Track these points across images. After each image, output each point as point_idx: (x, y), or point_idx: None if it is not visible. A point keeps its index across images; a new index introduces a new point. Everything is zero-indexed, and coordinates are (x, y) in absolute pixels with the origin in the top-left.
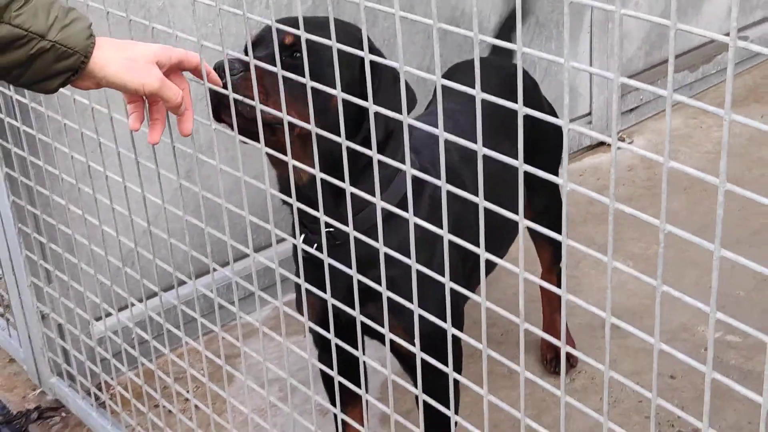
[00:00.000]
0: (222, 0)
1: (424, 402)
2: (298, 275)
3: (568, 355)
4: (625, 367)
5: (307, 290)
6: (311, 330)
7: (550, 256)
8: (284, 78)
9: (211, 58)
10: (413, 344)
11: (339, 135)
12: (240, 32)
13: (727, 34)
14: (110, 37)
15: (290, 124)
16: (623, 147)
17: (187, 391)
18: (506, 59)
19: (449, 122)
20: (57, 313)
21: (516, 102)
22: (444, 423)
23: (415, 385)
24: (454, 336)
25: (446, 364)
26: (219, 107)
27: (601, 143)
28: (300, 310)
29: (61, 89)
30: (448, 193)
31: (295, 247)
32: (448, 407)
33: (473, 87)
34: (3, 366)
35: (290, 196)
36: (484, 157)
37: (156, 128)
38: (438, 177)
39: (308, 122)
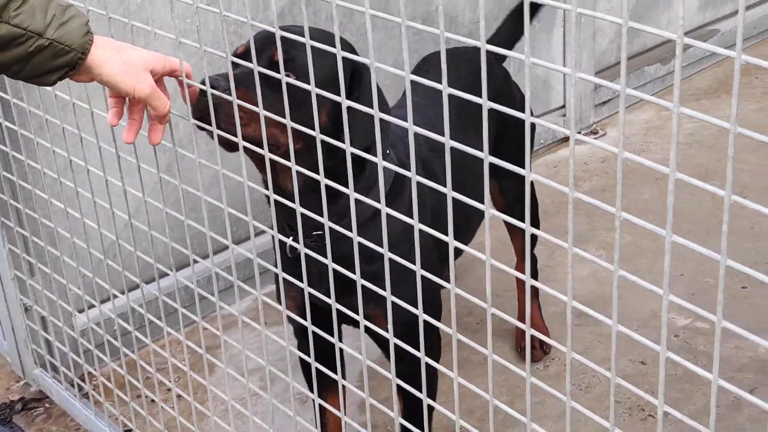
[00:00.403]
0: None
1: (404, 389)
2: (277, 268)
3: (542, 342)
4: (597, 354)
5: (288, 283)
6: (291, 320)
7: (522, 244)
8: (269, 95)
9: (189, 55)
10: (395, 331)
11: (323, 150)
12: (218, 29)
13: (697, 29)
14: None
15: (278, 140)
16: (582, 139)
17: (169, 381)
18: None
19: (418, 116)
20: (40, 306)
21: (488, 89)
22: (421, 408)
23: (394, 372)
24: (432, 324)
25: (423, 351)
26: (202, 120)
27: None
28: (279, 301)
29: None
30: (425, 185)
31: (276, 240)
32: (429, 388)
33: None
34: None
35: (274, 198)
36: (454, 148)
37: (133, 128)
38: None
39: (292, 139)
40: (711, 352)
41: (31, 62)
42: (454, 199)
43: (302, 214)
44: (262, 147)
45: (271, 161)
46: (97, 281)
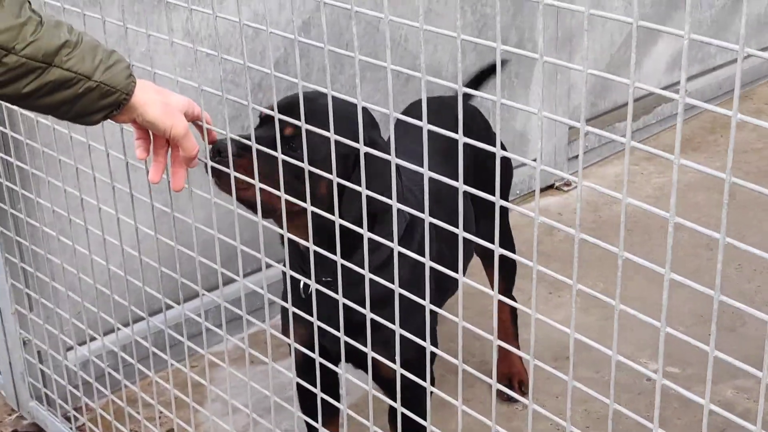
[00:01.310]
0: (200, 45)
1: (396, 421)
2: (285, 309)
3: (520, 383)
4: (576, 395)
5: (295, 322)
6: (296, 358)
7: (502, 287)
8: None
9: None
10: (393, 371)
11: (328, 214)
12: (216, 77)
13: (666, 88)
14: None
15: (288, 203)
16: (564, 188)
17: (164, 413)
18: (465, 102)
19: (414, 161)
20: (38, 339)
21: (470, 136)
22: None
23: (392, 404)
24: (423, 367)
25: (423, 385)
26: (218, 180)
27: (550, 186)
28: (287, 335)
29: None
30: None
31: (288, 281)
32: (423, 419)
33: (429, 123)
34: None
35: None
36: (449, 194)
37: (159, 168)
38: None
39: (298, 204)
40: (681, 397)
41: (80, 103)
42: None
43: (316, 260)
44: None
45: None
46: (95, 312)
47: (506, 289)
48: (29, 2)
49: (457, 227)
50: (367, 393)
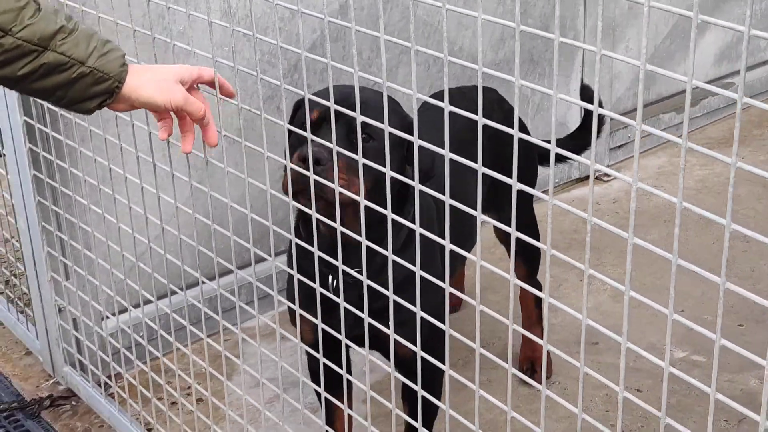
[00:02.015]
0: (236, 24)
1: (412, 398)
2: (292, 296)
3: (542, 362)
4: (594, 380)
5: (310, 308)
6: (310, 338)
7: (524, 272)
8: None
9: (224, 75)
10: (411, 350)
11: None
12: (252, 57)
13: (714, 81)
14: (137, 55)
15: (348, 199)
16: (604, 179)
17: (192, 383)
18: (492, 90)
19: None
20: (73, 306)
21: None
22: (431, 412)
23: (407, 385)
24: (437, 345)
25: (439, 367)
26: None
27: (586, 176)
28: (293, 323)
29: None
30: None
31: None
32: (438, 399)
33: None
34: (20, 357)
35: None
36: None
37: (187, 139)
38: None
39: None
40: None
41: (73, 88)
42: (458, 220)
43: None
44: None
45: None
46: (128, 283)
47: (529, 274)
48: None
49: (465, 217)
50: (382, 375)
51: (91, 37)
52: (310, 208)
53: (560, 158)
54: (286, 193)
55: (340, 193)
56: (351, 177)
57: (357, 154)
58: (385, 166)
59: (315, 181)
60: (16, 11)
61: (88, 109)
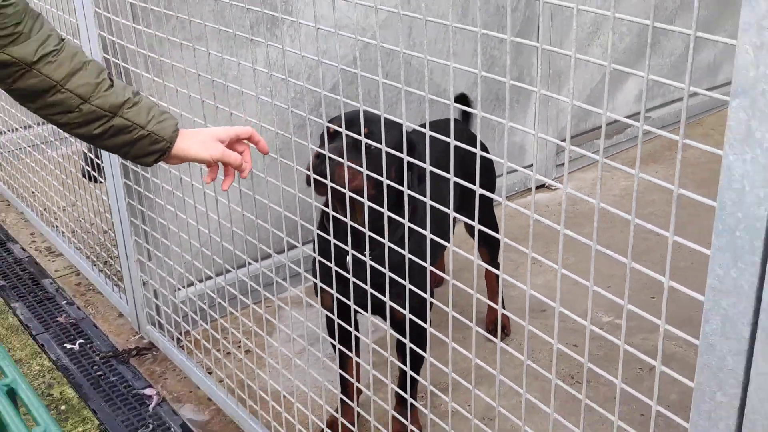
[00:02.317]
0: (274, 71)
1: (404, 351)
2: (315, 272)
3: (503, 327)
4: (542, 339)
5: (328, 282)
6: (330, 305)
7: (487, 257)
8: (358, 159)
9: (266, 112)
10: (403, 314)
11: (388, 196)
12: (287, 94)
13: (634, 115)
14: (200, 92)
15: (359, 191)
16: (553, 186)
17: (242, 338)
18: (463, 123)
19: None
20: (153, 281)
21: (460, 149)
22: (418, 361)
23: (400, 341)
24: (423, 311)
25: (424, 317)
26: (317, 182)
27: (541, 185)
28: (316, 294)
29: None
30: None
31: (319, 252)
32: (423, 351)
33: (438, 140)
34: (114, 318)
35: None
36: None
37: (227, 181)
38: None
39: (370, 191)
40: (627, 342)
41: (135, 146)
42: (439, 218)
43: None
44: (351, 196)
45: (351, 204)
46: (194, 264)
47: (491, 259)
48: (110, 71)
49: (445, 216)
50: (383, 334)
51: (151, 108)
52: (325, 196)
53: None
54: (309, 184)
55: (350, 182)
56: (355, 172)
57: (361, 157)
58: (378, 167)
59: (331, 172)
60: (94, 85)
61: (147, 163)
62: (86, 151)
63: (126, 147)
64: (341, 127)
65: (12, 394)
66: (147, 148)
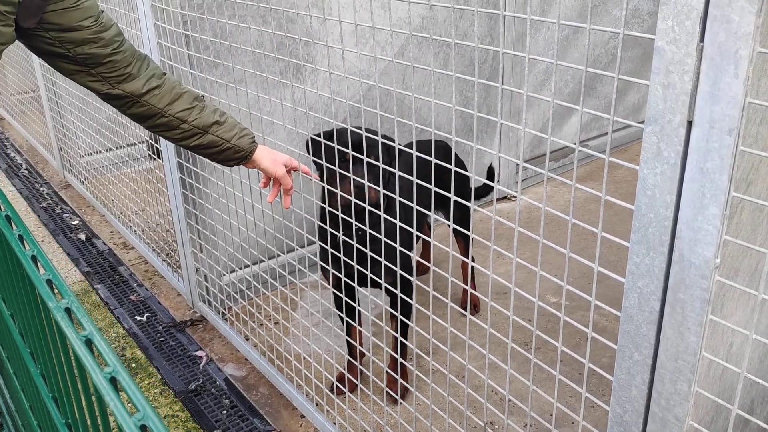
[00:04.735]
0: (299, 107)
1: (396, 315)
2: (322, 255)
3: (474, 306)
4: (505, 314)
5: (332, 264)
6: (334, 283)
7: (463, 250)
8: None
9: (291, 139)
10: (392, 285)
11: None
12: (309, 126)
13: (581, 141)
14: (240, 120)
15: (361, 190)
16: (513, 197)
17: (270, 310)
18: (444, 142)
19: (404, 170)
20: (204, 268)
21: (439, 159)
22: (405, 330)
23: (393, 313)
24: (409, 280)
25: (410, 295)
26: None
27: (504, 197)
28: (324, 275)
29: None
30: (402, 206)
31: (323, 241)
32: (410, 321)
33: (423, 154)
34: (174, 297)
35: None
36: (423, 192)
37: (274, 193)
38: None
39: (374, 196)
40: (571, 318)
41: (223, 154)
42: (420, 215)
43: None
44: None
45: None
46: (236, 255)
47: (466, 251)
48: (202, 96)
49: (406, 218)
50: (381, 310)
51: (234, 126)
52: (338, 203)
53: (484, 192)
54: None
55: (371, 198)
56: (374, 190)
57: (362, 169)
58: (382, 179)
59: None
60: (189, 110)
61: (230, 165)
62: (148, 139)
63: (215, 155)
64: (330, 139)
65: (89, 344)
66: (231, 156)
